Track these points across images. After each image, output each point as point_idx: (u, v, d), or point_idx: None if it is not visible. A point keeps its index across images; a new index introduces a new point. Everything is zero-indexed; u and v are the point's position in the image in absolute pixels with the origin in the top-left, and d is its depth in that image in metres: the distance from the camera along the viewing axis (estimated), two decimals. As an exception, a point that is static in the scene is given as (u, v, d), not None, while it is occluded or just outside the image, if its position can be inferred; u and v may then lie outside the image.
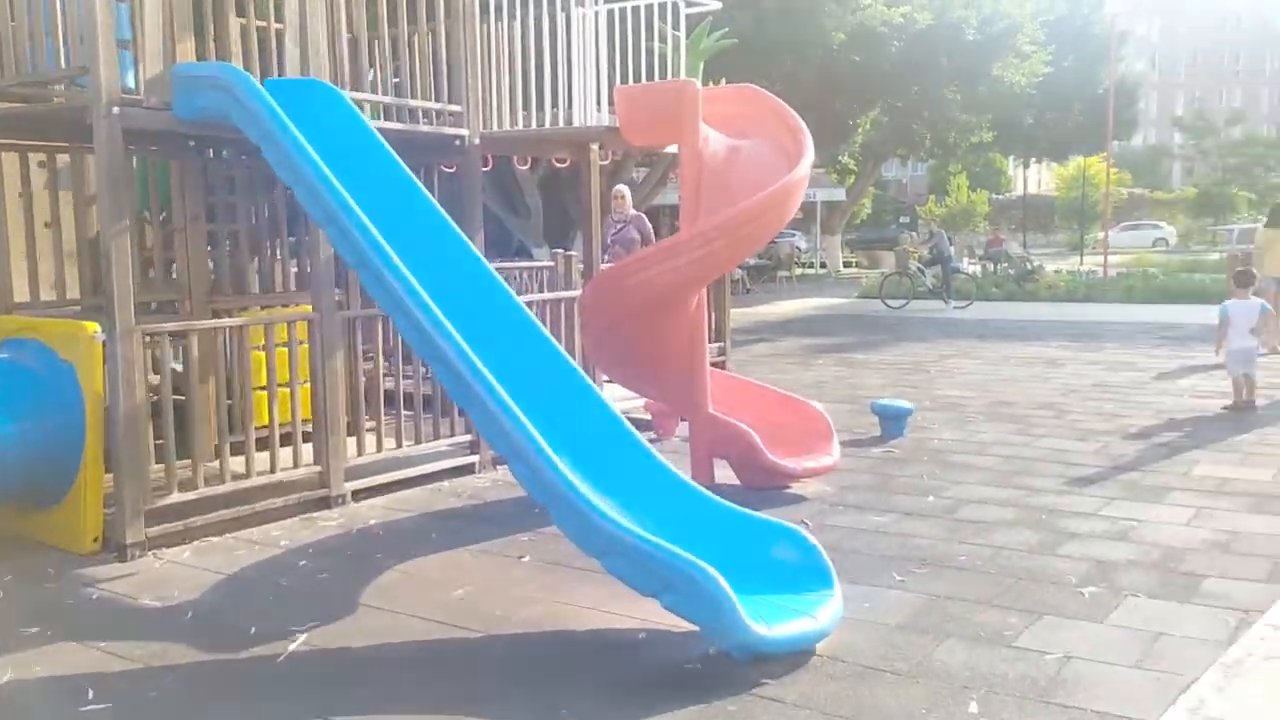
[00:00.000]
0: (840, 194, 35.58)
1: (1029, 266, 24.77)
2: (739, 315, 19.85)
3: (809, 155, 6.28)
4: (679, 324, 6.50)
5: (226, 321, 6.41)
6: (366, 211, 5.02)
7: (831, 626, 4.04)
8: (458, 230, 5.52)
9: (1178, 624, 4.19)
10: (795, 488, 6.54)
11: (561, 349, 5.19)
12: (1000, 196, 57.13)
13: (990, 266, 27.35)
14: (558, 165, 8.89)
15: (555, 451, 4.39)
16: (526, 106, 7.76)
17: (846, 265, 38.13)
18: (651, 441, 8.20)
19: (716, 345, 11.64)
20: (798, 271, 32.98)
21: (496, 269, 5.58)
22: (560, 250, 10.41)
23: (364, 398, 6.97)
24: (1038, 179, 61.17)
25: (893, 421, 8.11)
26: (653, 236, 9.45)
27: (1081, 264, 31.10)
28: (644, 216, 9.61)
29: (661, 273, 6.15)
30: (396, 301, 4.73)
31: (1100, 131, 36.36)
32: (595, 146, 8.20)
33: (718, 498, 4.58)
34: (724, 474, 6.65)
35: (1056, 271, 25.75)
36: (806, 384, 10.96)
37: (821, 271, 35.42)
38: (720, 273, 8.79)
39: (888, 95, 23.86)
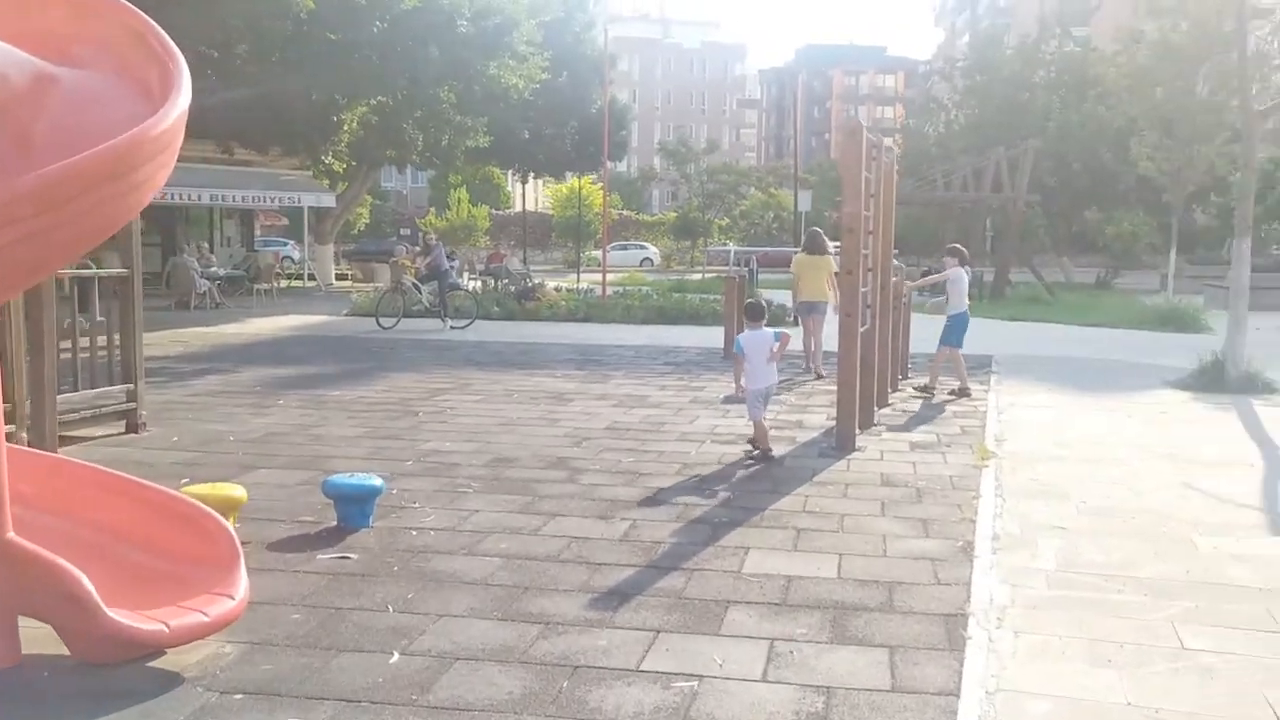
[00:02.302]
0: (330, 200, 32.58)
1: (529, 283, 23.81)
2: (196, 337, 16.35)
3: (182, 96, 3.71)
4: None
5: None
6: None
7: None
8: None
9: None
10: (172, 655, 3.89)
11: None
12: (501, 212, 57.39)
13: (491, 283, 26.29)
14: None
15: None
16: None
17: (340, 278, 35.21)
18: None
19: (124, 388, 8.49)
20: (282, 283, 29.52)
21: None
22: None
23: None
24: (535, 197, 62.45)
25: (353, 507, 5.69)
26: None
27: (579, 281, 31.01)
28: None
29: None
30: None
31: (594, 153, 37.00)
32: None
33: None
34: (45, 636, 3.84)
35: (556, 289, 25.06)
36: (254, 439, 8.19)
37: (311, 284, 32.15)
38: (20, 288, 5.78)
39: (374, 88, 21.31)
